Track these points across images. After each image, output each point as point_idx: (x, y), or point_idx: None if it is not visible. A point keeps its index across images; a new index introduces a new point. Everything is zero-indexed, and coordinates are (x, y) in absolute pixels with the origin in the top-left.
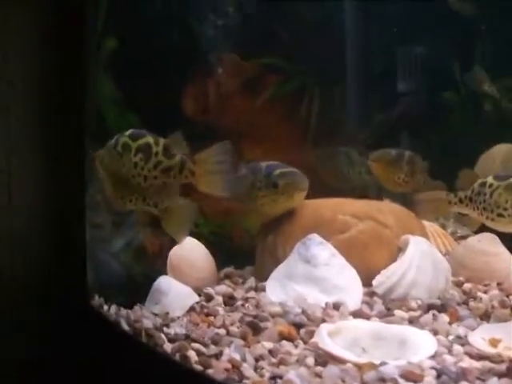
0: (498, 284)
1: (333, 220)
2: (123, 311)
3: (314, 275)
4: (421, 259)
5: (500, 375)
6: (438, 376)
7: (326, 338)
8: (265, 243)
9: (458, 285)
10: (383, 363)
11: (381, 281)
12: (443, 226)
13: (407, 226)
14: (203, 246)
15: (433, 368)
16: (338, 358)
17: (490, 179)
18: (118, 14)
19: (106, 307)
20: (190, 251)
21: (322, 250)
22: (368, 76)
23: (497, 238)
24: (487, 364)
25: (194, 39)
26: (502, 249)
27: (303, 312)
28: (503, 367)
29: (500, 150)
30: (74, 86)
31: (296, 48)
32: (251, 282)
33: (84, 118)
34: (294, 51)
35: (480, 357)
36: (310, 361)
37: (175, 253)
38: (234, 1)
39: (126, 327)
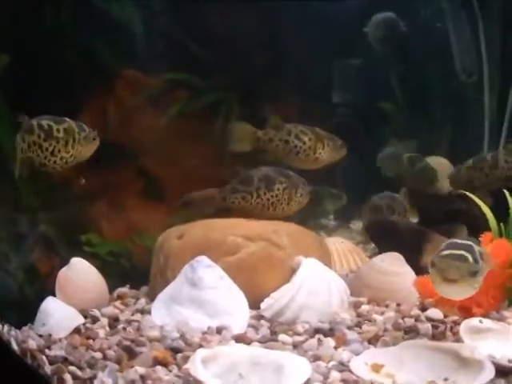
0: (398, 305)
1: (222, 242)
2: (13, 331)
3: (200, 298)
4: (312, 281)
5: None
6: None
7: (197, 364)
8: (157, 264)
9: (357, 306)
10: None
11: (269, 304)
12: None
13: (304, 247)
14: (93, 267)
15: None
16: None
17: None
18: (11, 30)
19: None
20: (79, 272)
21: (209, 273)
22: (295, 88)
23: (401, 258)
24: None
25: (92, 55)
26: (405, 268)
27: (182, 337)
28: None
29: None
30: None
31: (212, 62)
32: (141, 303)
33: None
34: (210, 65)
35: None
36: None
37: (63, 274)
38: (138, 15)
39: (15, 347)
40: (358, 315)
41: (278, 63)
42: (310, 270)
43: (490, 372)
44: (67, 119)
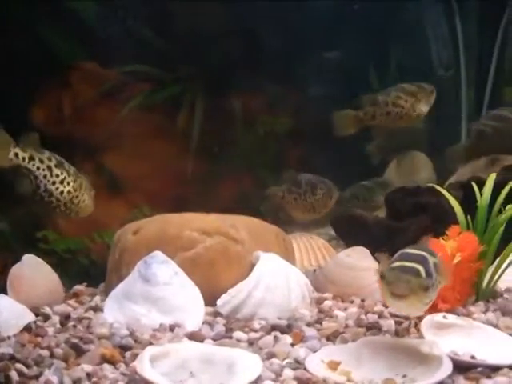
0: (362, 300)
1: (178, 236)
2: None
3: (153, 295)
4: (271, 277)
5: None
6: None
7: (145, 362)
8: (113, 260)
9: (320, 302)
10: None
11: (225, 300)
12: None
13: (264, 242)
14: (45, 264)
15: None
16: None
17: None
18: None
19: None
20: (30, 269)
21: (162, 269)
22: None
23: (367, 252)
24: None
25: (48, 46)
26: (371, 263)
27: (131, 334)
28: None
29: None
30: None
31: (177, 54)
32: (96, 300)
33: None
34: (174, 58)
35: (307, 381)
36: None
37: (15, 271)
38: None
39: None
40: (320, 311)
41: (245, 54)
42: (268, 265)
43: (447, 368)
44: None
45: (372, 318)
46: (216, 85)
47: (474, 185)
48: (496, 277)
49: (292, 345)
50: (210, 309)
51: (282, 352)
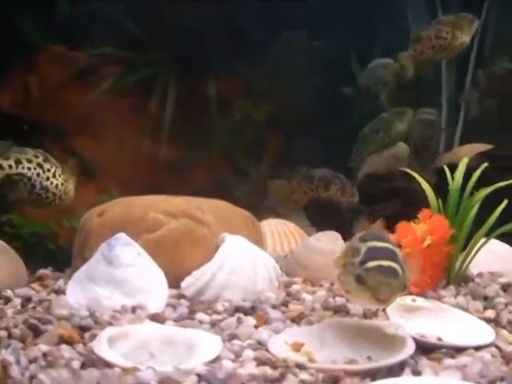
0: (332, 284)
1: (143, 218)
2: None
3: (116, 277)
4: (236, 259)
5: (271, 381)
6: (199, 382)
7: (102, 342)
8: (78, 243)
9: (288, 286)
10: (147, 368)
11: (189, 282)
12: None
13: (231, 225)
14: (8, 247)
15: (197, 374)
16: (108, 363)
17: None
18: None
19: None
20: None
21: (126, 251)
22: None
23: (339, 236)
24: (266, 370)
25: (14, 29)
26: (342, 247)
27: (91, 315)
28: (277, 373)
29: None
30: None
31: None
32: (59, 284)
33: None
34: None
35: (267, 362)
36: (76, 364)
37: None
38: None
39: None
40: (288, 294)
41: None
42: (233, 247)
43: (410, 349)
44: None
45: (340, 301)
46: (189, 68)
47: (446, 169)
48: (467, 261)
49: (255, 327)
50: (175, 291)
51: (244, 333)
